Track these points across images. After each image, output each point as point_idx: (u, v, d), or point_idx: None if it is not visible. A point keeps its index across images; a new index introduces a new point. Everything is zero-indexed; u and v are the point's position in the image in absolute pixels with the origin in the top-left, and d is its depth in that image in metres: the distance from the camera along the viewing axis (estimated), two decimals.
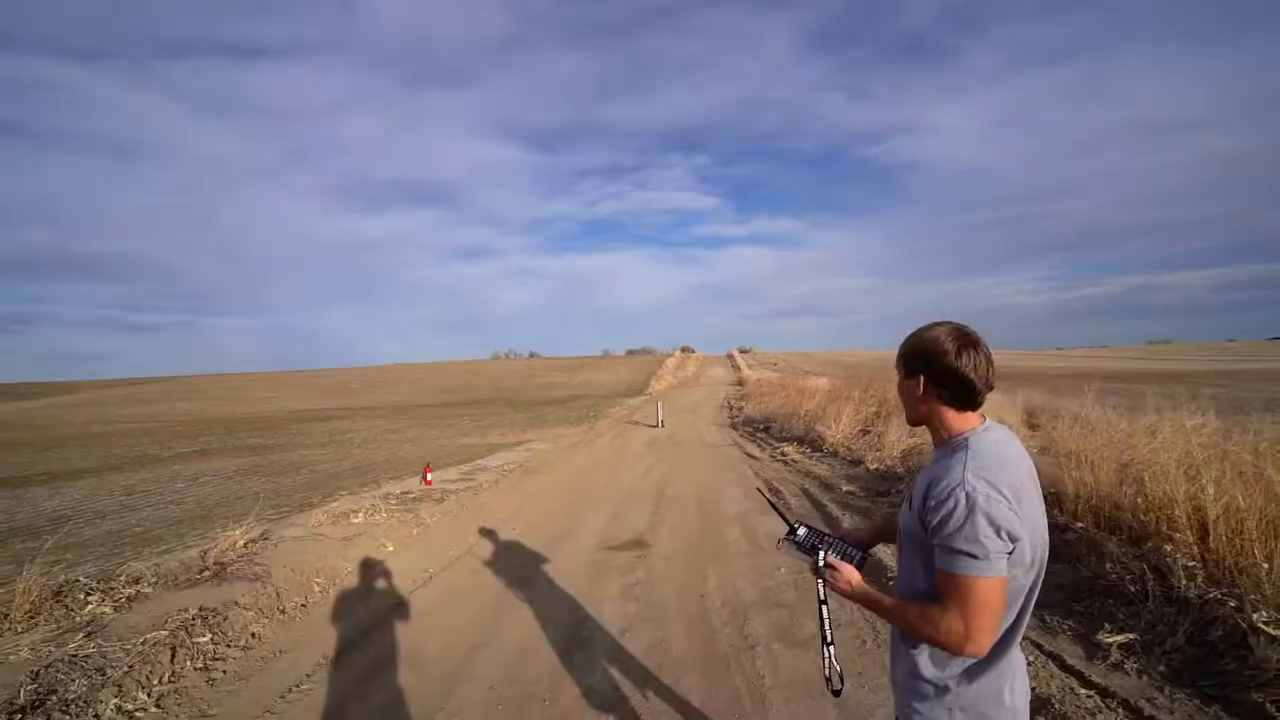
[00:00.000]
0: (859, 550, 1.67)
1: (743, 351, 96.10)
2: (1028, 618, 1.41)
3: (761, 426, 16.02)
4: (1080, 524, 4.74)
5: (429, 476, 9.02)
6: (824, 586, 1.67)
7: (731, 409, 22.85)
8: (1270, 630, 2.91)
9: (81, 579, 4.61)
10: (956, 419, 1.45)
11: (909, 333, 1.54)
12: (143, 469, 13.42)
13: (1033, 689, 2.83)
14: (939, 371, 1.43)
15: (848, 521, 6.24)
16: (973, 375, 1.41)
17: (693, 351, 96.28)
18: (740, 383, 39.31)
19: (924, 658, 1.43)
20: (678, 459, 11.52)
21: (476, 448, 13.82)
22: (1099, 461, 5.15)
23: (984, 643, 1.31)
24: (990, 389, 1.45)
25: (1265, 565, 3.26)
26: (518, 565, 5.47)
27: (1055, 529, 4.86)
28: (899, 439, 9.52)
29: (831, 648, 1.72)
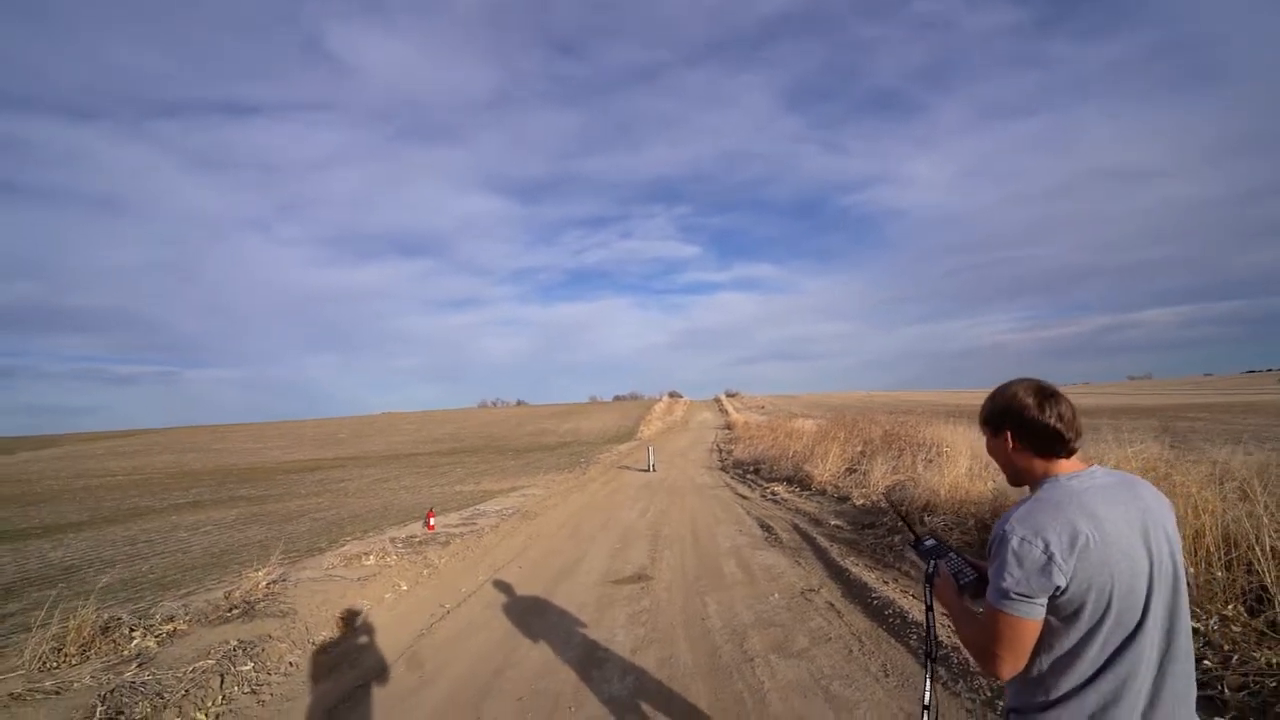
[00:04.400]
0: (975, 571, 1.66)
1: (730, 395, 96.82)
2: (1139, 675, 1.34)
3: (751, 468, 16.43)
4: None
5: (431, 521, 9.32)
6: (930, 593, 1.74)
7: (721, 452, 23.25)
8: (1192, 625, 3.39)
9: (124, 617, 4.92)
10: (1044, 466, 1.49)
11: (989, 395, 1.60)
12: (140, 520, 13.53)
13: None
14: (1022, 425, 1.49)
15: (835, 551, 6.66)
16: (1058, 425, 1.46)
17: (680, 397, 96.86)
18: (729, 426, 39.72)
19: (1011, 688, 1.49)
20: (670, 500, 11.88)
21: (472, 494, 14.09)
22: None
23: (998, 669, 1.40)
24: (1079, 435, 1.49)
25: (1190, 569, 3.76)
26: (529, 599, 5.82)
27: None
28: (883, 475, 10.00)
29: (934, 665, 1.77)
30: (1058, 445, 1.46)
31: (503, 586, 6.28)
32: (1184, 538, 4.02)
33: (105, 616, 4.81)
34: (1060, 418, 1.46)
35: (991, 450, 1.60)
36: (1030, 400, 1.48)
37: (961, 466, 8.17)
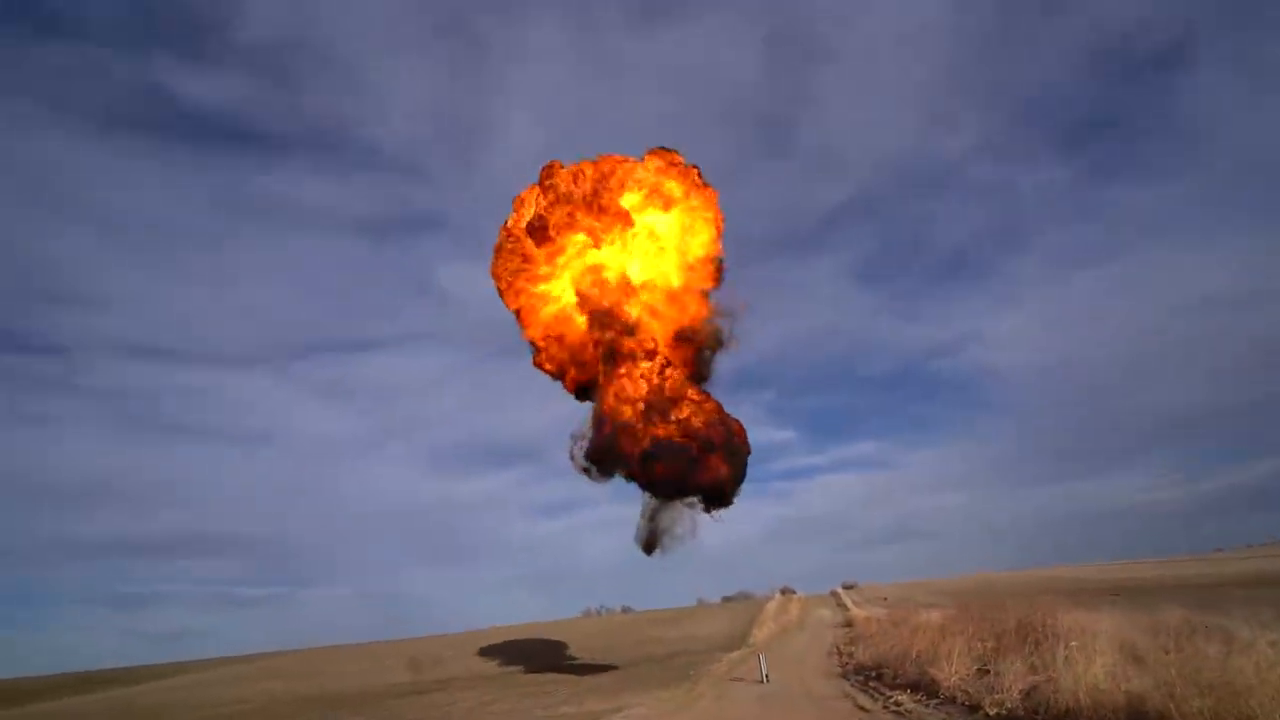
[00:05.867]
0: None
1: (848, 588, 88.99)
2: None
3: (874, 673, 14.92)
4: None
5: None
6: None
7: (840, 654, 21.21)
8: None
9: None
10: None
11: None
12: None
13: None
14: None
15: None
16: None
17: (793, 593, 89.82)
18: (849, 624, 36.30)
19: None
20: (783, 716, 10.94)
21: (576, 716, 13.48)
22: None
23: None
24: None
25: None
26: None
27: None
28: (1019, 676, 8.95)
29: None
30: None
31: None
32: None
33: None
34: None
35: None
36: None
37: (1097, 664, 7.29)
